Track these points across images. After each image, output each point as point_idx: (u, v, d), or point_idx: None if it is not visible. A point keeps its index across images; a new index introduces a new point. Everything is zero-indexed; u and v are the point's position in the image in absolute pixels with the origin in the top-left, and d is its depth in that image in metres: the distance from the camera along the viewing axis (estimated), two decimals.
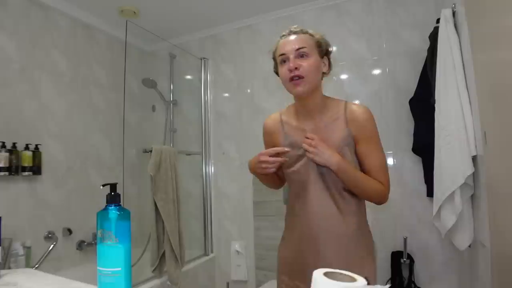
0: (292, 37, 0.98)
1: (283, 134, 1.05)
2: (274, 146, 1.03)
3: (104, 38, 2.49)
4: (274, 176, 1.13)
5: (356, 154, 1.00)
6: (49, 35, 2.08)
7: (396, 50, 2.03)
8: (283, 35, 1.01)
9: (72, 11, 2.20)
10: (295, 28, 1.01)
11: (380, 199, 0.99)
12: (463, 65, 1.39)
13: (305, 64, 0.94)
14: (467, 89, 1.36)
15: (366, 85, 2.10)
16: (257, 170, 1.01)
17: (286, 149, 0.99)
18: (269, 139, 1.11)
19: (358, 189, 0.96)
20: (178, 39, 2.73)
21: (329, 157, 0.92)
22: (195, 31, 2.69)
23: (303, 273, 0.97)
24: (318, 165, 0.97)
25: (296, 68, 0.94)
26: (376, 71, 2.09)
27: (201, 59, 2.61)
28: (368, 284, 0.45)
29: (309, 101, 1.00)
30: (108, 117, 2.46)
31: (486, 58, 1.17)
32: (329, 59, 1.03)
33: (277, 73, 1.05)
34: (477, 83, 1.27)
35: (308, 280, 0.50)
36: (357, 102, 2.10)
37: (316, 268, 0.50)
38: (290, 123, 1.05)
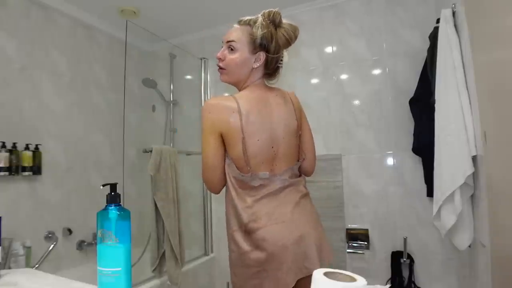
0: (235, 27, 1.06)
1: None
2: None
3: (104, 38, 2.49)
4: None
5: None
6: (49, 35, 2.08)
7: (396, 50, 2.03)
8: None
9: (72, 11, 2.20)
10: (247, 18, 1.05)
11: None
12: (463, 65, 1.39)
13: (227, 58, 1.04)
14: (467, 89, 1.36)
15: (366, 85, 2.10)
16: None
17: None
18: None
19: None
20: (178, 39, 2.73)
21: None
22: (195, 31, 2.69)
23: None
24: None
25: (221, 59, 1.05)
26: (376, 71, 2.09)
27: (201, 59, 2.61)
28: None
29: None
30: (108, 117, 2.46)
31: (486, 58, 1.17)
32: (269, 54, 1.04)
33: None
34: (477, 83, 1.27)
35: None
36: (356, 102, 2.12)
37: None
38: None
